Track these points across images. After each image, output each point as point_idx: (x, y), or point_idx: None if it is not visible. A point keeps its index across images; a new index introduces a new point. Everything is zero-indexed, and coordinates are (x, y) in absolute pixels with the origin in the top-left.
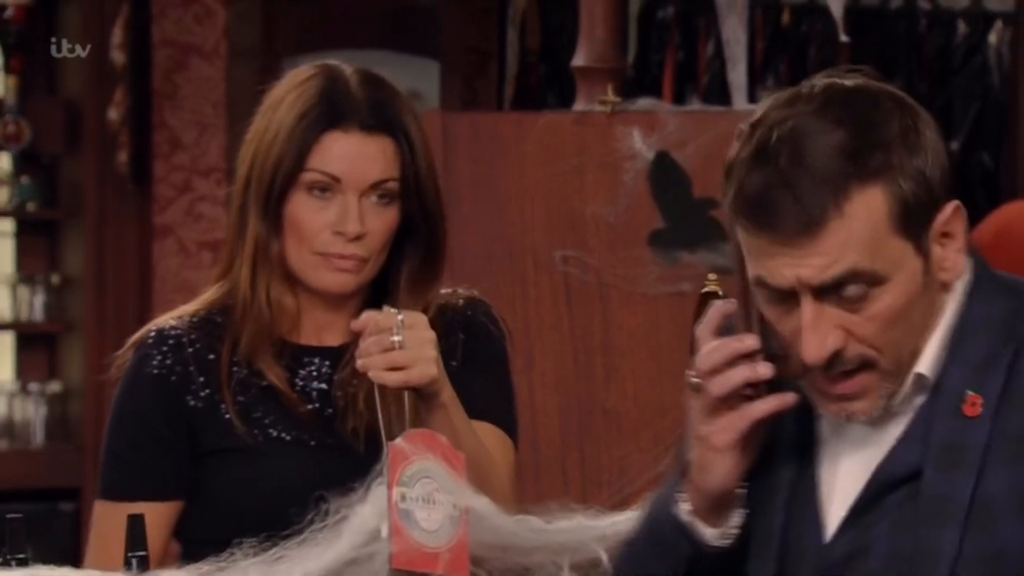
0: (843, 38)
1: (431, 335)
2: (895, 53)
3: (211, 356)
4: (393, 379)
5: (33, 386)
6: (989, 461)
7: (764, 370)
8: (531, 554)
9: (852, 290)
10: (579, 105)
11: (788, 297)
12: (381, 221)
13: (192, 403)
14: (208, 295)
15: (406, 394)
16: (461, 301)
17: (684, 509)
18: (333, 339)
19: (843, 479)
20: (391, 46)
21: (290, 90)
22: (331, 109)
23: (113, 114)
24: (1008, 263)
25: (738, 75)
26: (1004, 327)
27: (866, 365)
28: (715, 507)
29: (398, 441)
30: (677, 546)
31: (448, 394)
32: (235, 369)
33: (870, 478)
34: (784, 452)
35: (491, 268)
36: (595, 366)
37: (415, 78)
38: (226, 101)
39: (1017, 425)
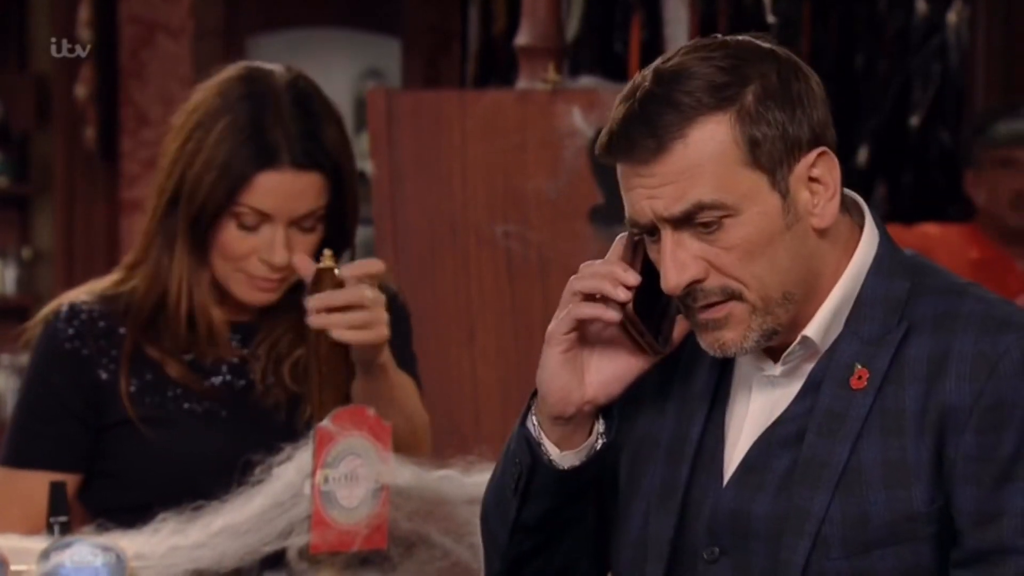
0: (770, 19)
1: (382, 297)
2: (856, 32)
3: (121, 330)
4: (355, 337)
5: (5, 358)
6: (865, 432)
7: (623, 294)
8: (458, 507)
9: (704, 218)
10: (521, 83)
11: (655, 234)
12: (305, 244)
13: (103, 376)
14: (117, 277)
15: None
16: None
17: (532, 420)
18: (247, 315)
19: (744, 436)
20: (353, 25)
21: (220, 113)
22: (263, 149)
23: (81, 91)
24: None
25: None
26: (899, 306)
27: (732, 296)
28: (556, 419)
29: (325, 423)
30: (519, 454)
31: (387, 354)
32: (144, 345)
33: (757, 439)
34: (695, 404)
35: (433, 244)
36: (536, 340)
37: (377, 57)
38: (192, 78)
39: (895, 400)
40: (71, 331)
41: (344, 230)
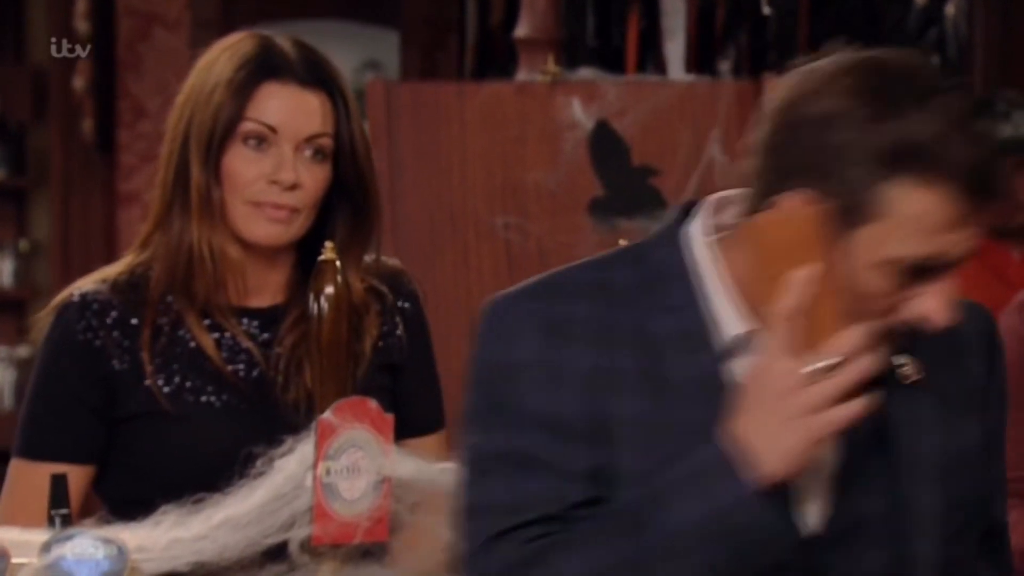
0: (766, 11)
1: None
2: (853, 24)
3: (134, 320)
4: None
5: (1, 350)
6: (940, 420)
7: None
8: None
9: None
10: (521, 75)
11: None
12: (314, 176)
13: (117, 367)
14: (131, 258)
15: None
16: (385, 285)
17: (774, 498)
18: (260, 300)
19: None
20: (351, 16)
21: (224, 50)
22: (268, 62)
23: (78, 83)
24: None
25: (675, 46)
26: None
27: None
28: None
29: (326, 415)
30: (771, 539)
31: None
32: (160, 332)
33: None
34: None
35: (433, 235)
36: None
37: (375, 49)
38: (189, 70)
39: (954, 384)
40: (83, 322)
41: (359, 171)
